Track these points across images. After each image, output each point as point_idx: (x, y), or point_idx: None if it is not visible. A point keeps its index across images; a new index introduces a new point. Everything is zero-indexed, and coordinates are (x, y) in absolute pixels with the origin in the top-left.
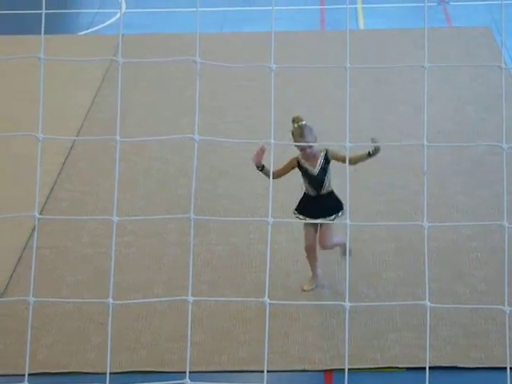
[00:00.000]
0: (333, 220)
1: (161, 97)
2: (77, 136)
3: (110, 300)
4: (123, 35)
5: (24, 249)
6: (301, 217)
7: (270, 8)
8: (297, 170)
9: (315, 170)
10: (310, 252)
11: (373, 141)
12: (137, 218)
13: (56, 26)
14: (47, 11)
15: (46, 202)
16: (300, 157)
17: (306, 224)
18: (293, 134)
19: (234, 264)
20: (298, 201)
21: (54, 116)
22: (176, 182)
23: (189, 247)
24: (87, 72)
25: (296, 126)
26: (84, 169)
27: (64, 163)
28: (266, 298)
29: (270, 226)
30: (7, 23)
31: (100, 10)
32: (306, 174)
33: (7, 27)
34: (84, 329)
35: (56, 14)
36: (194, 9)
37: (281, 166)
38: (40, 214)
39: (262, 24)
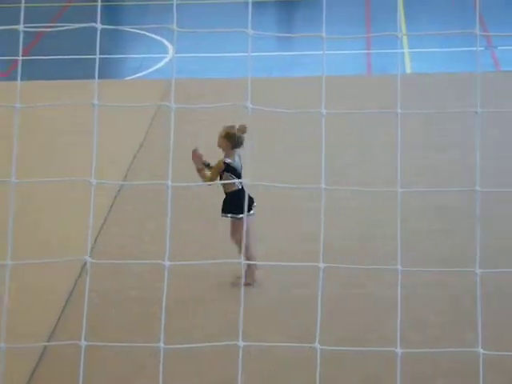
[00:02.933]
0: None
1: (208, 141)
2: (124, 180)
3: (162, 344)
4: (171, 79)
5: (71, 292)
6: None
7: (317, 53)
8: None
9: None
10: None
11: None
12: (189, 262)
13: (103, 70)
14: (94, 56)
15: (93, 245)
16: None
17: None
18: (234, 140)
19: (281, 307)
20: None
21: (101, 159)
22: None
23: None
24: (135, 116)
25: (243, 136)
26: (131, 211)
27: (111, 206)
28: (316, 343)
29: (321, 272)
30: (52, 68)
31: (147, 55)
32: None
33: (51, 72)
34: (128, 372)
35: (103, 58)
36: (241, 53)
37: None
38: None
39: (308, 68)
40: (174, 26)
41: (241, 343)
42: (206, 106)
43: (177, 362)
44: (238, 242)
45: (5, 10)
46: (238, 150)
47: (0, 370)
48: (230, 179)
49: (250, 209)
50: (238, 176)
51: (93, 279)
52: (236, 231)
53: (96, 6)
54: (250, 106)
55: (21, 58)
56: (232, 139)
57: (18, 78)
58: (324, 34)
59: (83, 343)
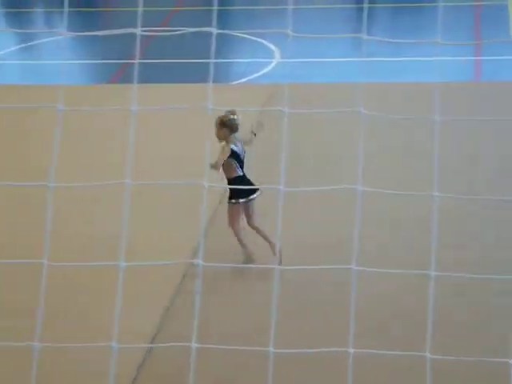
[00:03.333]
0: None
1: (313, 146)
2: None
3: (271, 349)
4: (277, 85)
5: (176, 294)
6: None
7: (420, 59)
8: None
9: None
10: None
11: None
12: (302, 267)
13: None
14: (206, 60)
15: (199, 248)
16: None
17: None
18: (230, 125)
19: (380, 313)
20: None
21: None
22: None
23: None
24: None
25: (236, 118)
26: None
27: (216, 209)
28: (427, 352)
29: (432, 281)
30: (158, 72)
31: (254, 60)
32: None
33: (157, 76)
34: (232, 373)
35: (210, 63)
36: (346, 59)
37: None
38: (194, 259)
39: (411, 74)
40: (289, 31)
41: (351, 350)
42: (316, 111)
43: (279, 365)
44: (235, 229)
45: (107, 14)
46: (237, 136)
47: (112, 369)
48: (232, 165)
49: (252, 193)
50: (241, 161)
51: (196, 281)
52: (232, 217)
53: (201, 10)
54: (363, 111)
55: (137, 61)
56: (228, 125)
57: (135, 81)
58: (440, 40)
59: (193, 345)
